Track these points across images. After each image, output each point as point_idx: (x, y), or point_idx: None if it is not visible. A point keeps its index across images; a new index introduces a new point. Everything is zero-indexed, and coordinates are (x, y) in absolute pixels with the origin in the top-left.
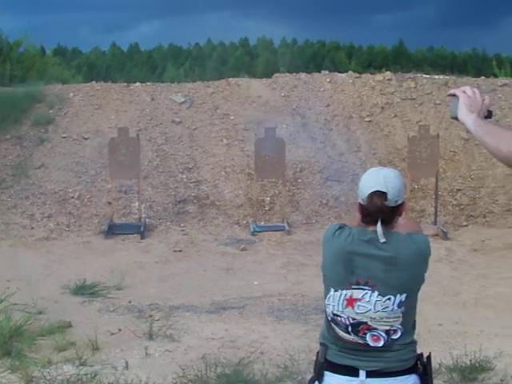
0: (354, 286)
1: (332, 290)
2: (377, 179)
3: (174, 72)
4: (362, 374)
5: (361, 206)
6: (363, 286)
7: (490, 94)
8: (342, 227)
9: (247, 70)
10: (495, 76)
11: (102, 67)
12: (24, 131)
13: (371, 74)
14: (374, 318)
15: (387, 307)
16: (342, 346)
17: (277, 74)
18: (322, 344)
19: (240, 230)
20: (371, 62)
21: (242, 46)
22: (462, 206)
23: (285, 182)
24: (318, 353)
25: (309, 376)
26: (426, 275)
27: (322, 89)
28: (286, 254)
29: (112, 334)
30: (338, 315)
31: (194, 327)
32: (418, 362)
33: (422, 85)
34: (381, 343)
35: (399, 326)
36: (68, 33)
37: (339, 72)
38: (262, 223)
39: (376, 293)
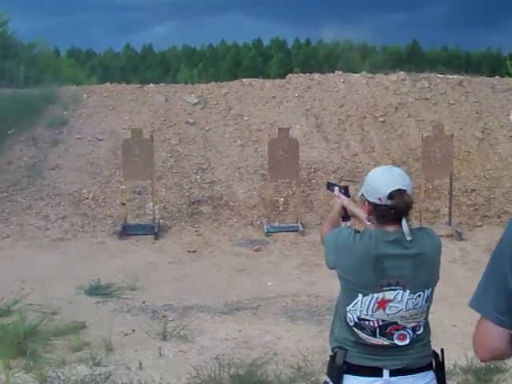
0: (385, 288)
1: (360, 295)
2: (394, 177)
3: (188, 73)
4: (386, 373)
5: (374, 205)
6: (394, 286)
7: (505, 93)
8: (356, 231)
9: (261, 70)
10: (509, 75)
11: (116, 68)
12: (38, 133)
13: (385, 74)
14: (405, 317)
15: (417, 304)
16: (364, 349)
17: (290, 75)
18: (339, 347)
19: (254, 231)
20: (385, 61)
21: (256, 46)
22: (476, 207)
23: (299, 182)
24: (332, 356)
25: (323, 377)
26: (441, 276)
27: (336, 89)
28: (299, 255)
29: (126, 334)
30: (365, 319)
31: (207, 328)
32: (433, 359)
33: (436, 84)
34: (407, 341)
35: (423, 321)
36: (82, 34)
37: (353, 72)
38: (276, 224)
39: (407, 291)
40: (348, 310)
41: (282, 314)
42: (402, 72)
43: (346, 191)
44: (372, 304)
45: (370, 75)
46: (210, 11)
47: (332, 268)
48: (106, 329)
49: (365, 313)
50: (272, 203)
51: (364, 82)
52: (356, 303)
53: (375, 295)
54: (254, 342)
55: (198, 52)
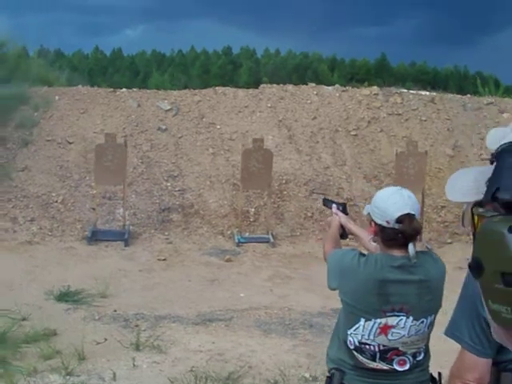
0: (388, 314)
1: (362, 319)
2: (403, 200)
3: (159, 79)
4: None
5: (381, 227)
6: (398, 312)
7: (475, 112)
8: (361, 254)
9: (230, 78)
10: (479, 94)
11: (84, 70)
12: (8, 133)
13: (353, 87)
14: (406, 343)
15: (420, 330)
16: (362, 372)
17: (263, 85)
18: (336, 369)
19: (224, 241)
20: (353, 75)
21: (225, 54)
22: (446, 223)
23: (270, 193)
24: (329, 377)
25: None
26: None
27: (309, 101)
28: (271, 266)
29: (98, 343)
30: (366, 344)
31: (180, 339)
32: (431, 383)
33: (409, 100)
34: (407, 367)
35: (424, 347)
36: (50, 34)
37: (323, 84)
38: (247, 234)
39: (411, 318)
40: (349, 333)
41: (255, 326)
42: (375, 87)
43: (343, 208)
44: (374, 329)
45: (344, 88)
46: (180, 16)
47: (333, 289)
48: (77, 337)
49: (366, 337)
50: (243, 213)
51: (337, 95)
52: (358, 327)
53: (378, 320)
54: (229, 355)
55: (167, 58)
